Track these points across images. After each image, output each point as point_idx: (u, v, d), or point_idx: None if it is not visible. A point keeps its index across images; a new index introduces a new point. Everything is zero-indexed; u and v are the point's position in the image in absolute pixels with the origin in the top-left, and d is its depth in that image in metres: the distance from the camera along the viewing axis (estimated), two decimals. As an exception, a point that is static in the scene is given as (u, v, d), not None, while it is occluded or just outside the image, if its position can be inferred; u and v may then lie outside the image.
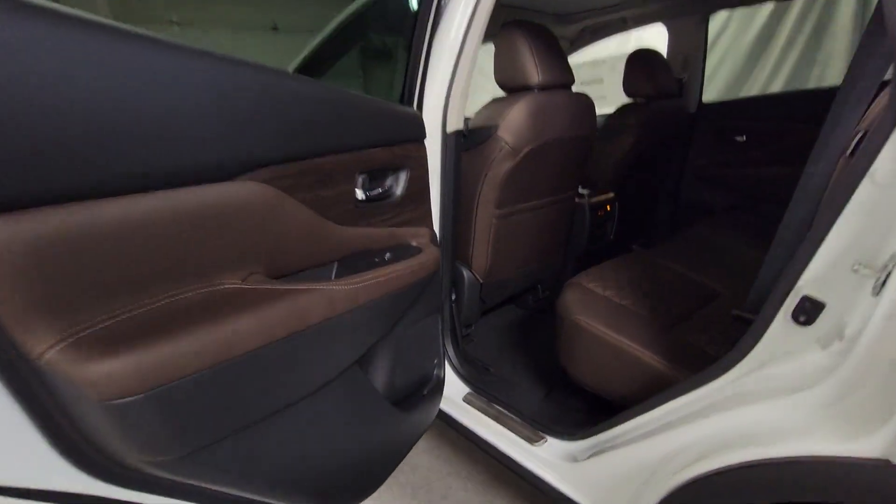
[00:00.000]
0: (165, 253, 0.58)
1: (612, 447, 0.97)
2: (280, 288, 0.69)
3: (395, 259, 0.93)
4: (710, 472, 0.70)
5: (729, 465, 0.67)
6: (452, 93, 1.08)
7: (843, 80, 0.71)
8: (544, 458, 1.14)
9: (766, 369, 0.74)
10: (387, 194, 0.96)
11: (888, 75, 0.66)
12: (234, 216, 0.65)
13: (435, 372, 1.21)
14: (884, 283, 0.57)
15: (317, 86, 0.75)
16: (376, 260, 0.90)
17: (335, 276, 0.85)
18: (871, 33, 0.67)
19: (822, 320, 0.67)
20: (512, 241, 1.52)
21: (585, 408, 1.34)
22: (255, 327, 0.64)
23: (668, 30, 2.13)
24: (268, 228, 0.70)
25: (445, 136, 1.13)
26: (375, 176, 0.93)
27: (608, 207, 1.91)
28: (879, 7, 0.61)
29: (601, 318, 1.14)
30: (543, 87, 1.35)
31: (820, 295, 0.67)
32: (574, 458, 1.08)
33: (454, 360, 1.39)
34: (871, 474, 0.53)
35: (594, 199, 1.81)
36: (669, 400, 0.87)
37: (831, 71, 3.05)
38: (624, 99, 2.07)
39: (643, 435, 0.91)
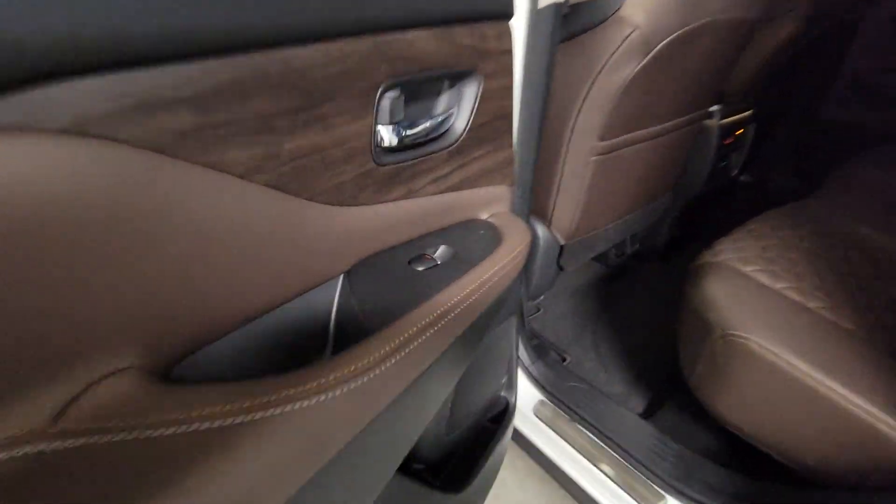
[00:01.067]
0: None
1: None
2: (193, 418, 0.27)
3: (458, 255, 0.49)
4: None
5: None
6: None
7: None
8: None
9: None
10: (438, 132, 0.49)
11: None
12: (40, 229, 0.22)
13: (503, 396, 0.82)
14: None
15: None
16: (419, 269, 0.46)
17: (338, 312, 0.42)
18: None
19: None
20: (612, 186, 1.03)
21: (722, 452, 0.93)
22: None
23: None
24: (148, 252, 0.26)
25: (535, 11, 0.63)
26: (416, 93, 0.46)
27: (739, 132, 1.34)
28: None
29: (789, 341, 0.69)
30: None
31: None
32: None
33: (522, 356, 0.99)
34: None
35: (726, 121, 1.25)
36: None
37: None
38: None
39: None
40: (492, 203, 0.60)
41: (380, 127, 0.41)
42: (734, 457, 0.90)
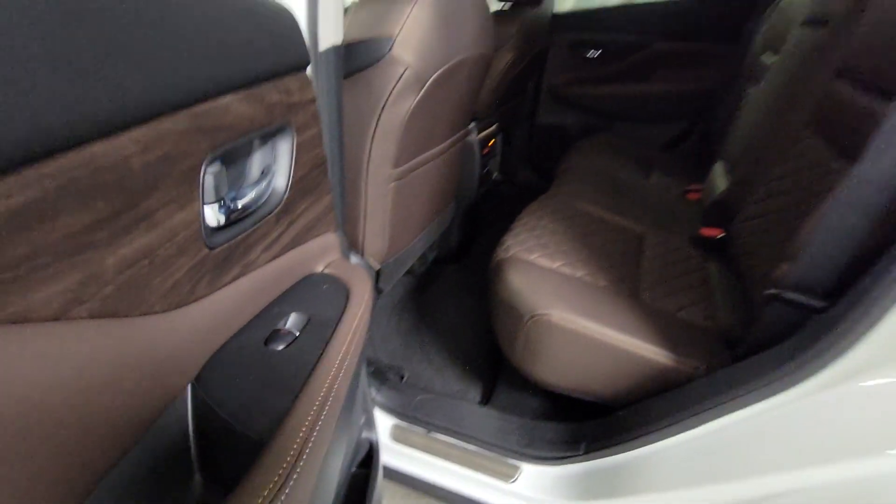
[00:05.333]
0: None
1: (628, 479, 0.76)
2: None
3: (313, 319, 0.46)
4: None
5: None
6: None
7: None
8: (528, 496, 0.88)
9: (871, 378, 0.57)
10: (263, 196, 0.45)
11: None
12: None
13: (365, 437, 0.80)
14: None
15: None
16: (279, 348, 0.42)
17: (197, 427, 0.35)
18: None
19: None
20: (411, 206, 1.12)
21: (550, 409, 1.11)
22: None
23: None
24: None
25: (317, 54, 0.64)
26: (234, 162, 0.41)
27: (492, 142, 1.61)
28: None
29: (575, 307, 0.87)
30: (443, -21, 0.89)
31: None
32: (570, 493, 0.85)
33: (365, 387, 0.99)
34: None
35: (481, 135, 1.48)
36: (722, 415, 0.67)
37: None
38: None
39: (683, 465, 0.71)
40: (325, 253, 0.58)
41: (206, 207, 0.35)
42: (559, 409, 1.09)
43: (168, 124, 0.28)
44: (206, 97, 0.32)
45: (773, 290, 0.69)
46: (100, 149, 0.23)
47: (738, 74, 1.64)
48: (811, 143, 0.90)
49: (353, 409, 0.59)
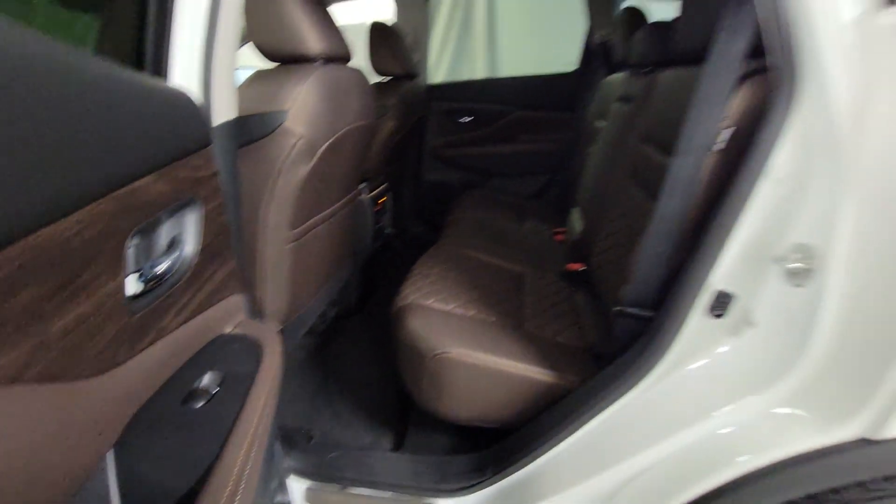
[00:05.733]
0: None
1: (533, 489, 0.85)
2: None
3: (228, 377, 0.49)
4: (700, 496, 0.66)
5: (718, 486, 0.64)
6: (217, 53, 0.65)
7: (703, 72, 0.73)
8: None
9: (685, 366, 0.74)
10: (175, 265, 0.48)
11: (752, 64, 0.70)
12: None
13: (277, 501, 0.78)
14: (809, 277, 0.61)
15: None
16: (197, 406, 0.44)
17: (123, 492, 0.36)
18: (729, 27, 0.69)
19: (733, 311, 0.70)
20: (310, 265, 1.15)
21: (459, 442, 1.17)
22: None
23: (397, 5, 2.03)
24: None
25: (212, 128, 0.69)
26: (150, 235, 0.45)
27: (382, 200, 1.72)
28: None
29: (470, 342, 0.97)
30: (329, 59, 1.01)
31: (730, 287, 0.69)
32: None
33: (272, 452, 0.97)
34: (853, 455, 0.57)
35: (372, 193, 1.59)
36: (592, 418, 0.80)
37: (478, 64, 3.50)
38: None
39: (572, 465, 0.82)
40: (232, 314, 0.61)
41: (125, 279, 0.38)
42: (467, 440, 1.16)
43: (100, 206, 0.32)
44: (128, 181, 0.37)
45: (618, 308, 0.86)
46: (49, 231, 0.27)
47: (580, 136, 2.00)
48: (633, 191, 1.15)
49: (268, 475, 0.61)
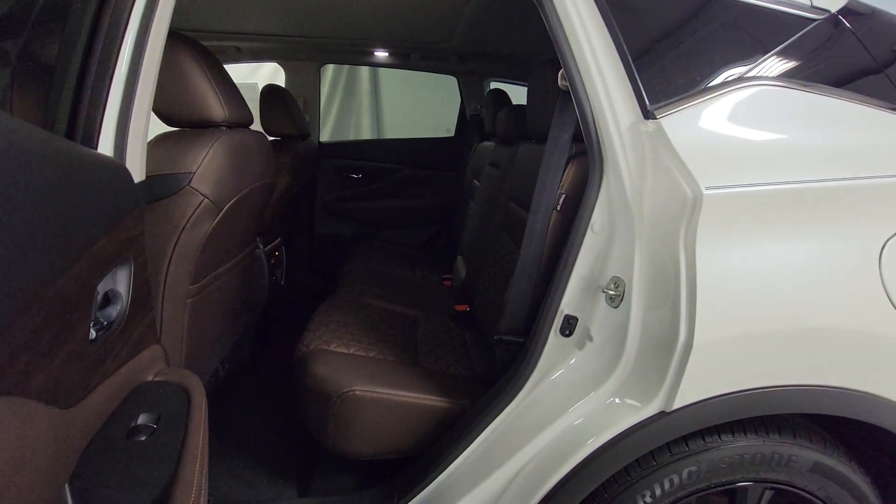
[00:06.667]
0: None
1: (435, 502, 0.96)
2: None
3: (164, 416, 0.54)
4: (561, 479, 0.83)
5: (576, 465, 0.82)
6: (134, 115, 0.72)
7: (546, 150, 0.98)
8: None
9: (549, 377, 0.94)
10: (113, 315, 0.54)
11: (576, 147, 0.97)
12: None
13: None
14: (621, 300, 0.85)
15: None
16: (143, 438, 0.49)
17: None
18: (562, 111, 0.96)
19: (578, 330, 0.92)
20: (208, 318, 1.16)
21: (366, 478, 1.22)
22: None
23: (286, 70, 2.16)
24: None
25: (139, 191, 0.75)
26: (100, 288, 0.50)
27: (277, 253, 1.76)
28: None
29: (373, 379, 1.07)
30: (232, 125, 1.09)
31: (574, 312, 0.92)
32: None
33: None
34: (658, 425, 0.79)
35: (267, 248, 1.63)
36: (482, 431, 0.94)
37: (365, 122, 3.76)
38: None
39: (469, 473, 0.94)
40: (152, 364, 0.65)
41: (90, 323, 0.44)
42: (374, 475, 1.22)
43: (82, 263, 0.39)
44: (95, 243, 0.43)
45: (497, 337, 1.04)
46: (58, 282, 0.34)
47: (462, 192, 2.28)
48: (505, 241, 1.39)
49: None
